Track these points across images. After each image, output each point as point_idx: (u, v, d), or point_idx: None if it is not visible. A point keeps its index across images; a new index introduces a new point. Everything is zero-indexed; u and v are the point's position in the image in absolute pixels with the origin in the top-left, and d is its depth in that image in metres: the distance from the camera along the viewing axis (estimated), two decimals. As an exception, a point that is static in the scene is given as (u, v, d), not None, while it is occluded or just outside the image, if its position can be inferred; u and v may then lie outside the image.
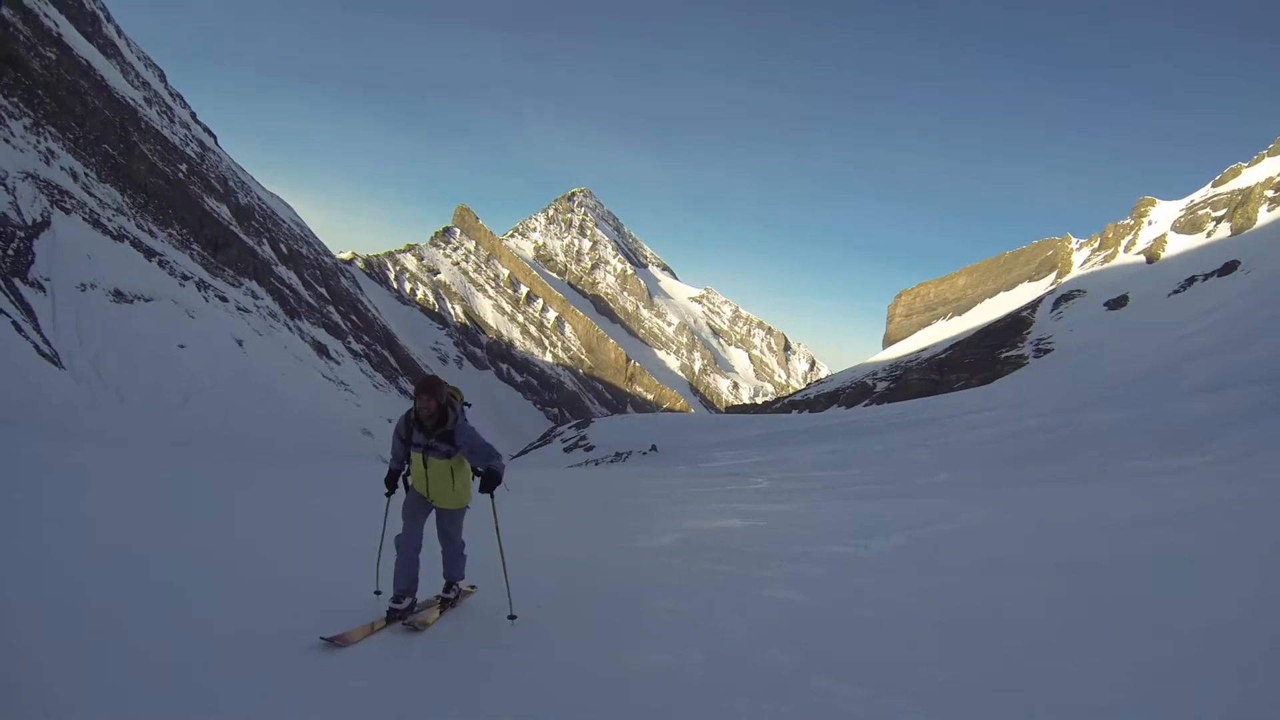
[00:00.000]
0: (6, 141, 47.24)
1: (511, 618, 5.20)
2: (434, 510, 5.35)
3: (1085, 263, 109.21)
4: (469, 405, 5.46)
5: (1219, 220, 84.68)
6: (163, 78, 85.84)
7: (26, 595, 4.83)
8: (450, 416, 5.09)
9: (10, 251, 42.50)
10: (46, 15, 58.20)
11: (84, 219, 51.47)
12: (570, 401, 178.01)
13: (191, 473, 14.88)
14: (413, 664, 4.39)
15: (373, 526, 6.01)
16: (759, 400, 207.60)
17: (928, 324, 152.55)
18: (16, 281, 41.76)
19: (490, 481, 5.00)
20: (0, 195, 43.89)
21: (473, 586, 5.87)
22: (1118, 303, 73.38)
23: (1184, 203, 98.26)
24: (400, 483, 5.41)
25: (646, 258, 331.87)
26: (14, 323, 38.19)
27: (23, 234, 44.17)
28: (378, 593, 5.46)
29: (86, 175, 55.19)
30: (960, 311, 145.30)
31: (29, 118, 51.29)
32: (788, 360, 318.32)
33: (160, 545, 6.87)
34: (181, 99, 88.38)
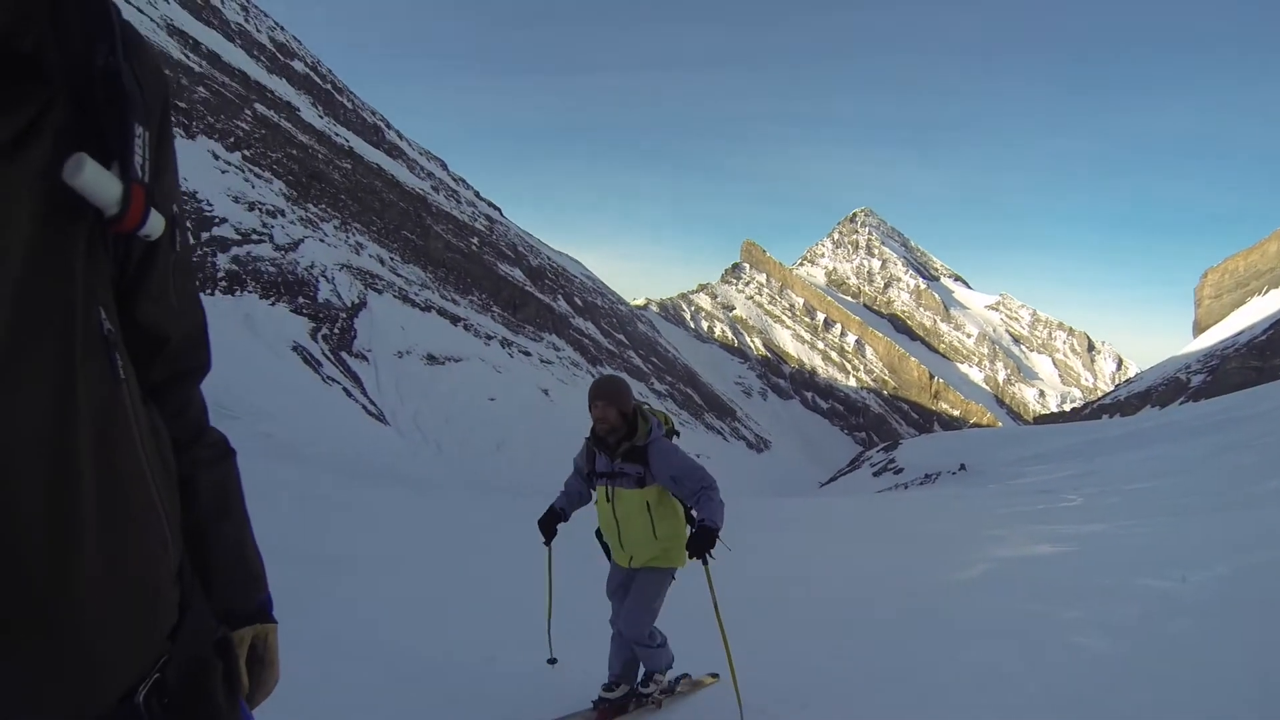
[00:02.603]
0: (322, 241, 53.31)
1: None
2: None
3: None
4: (678, 434, 4.19)
5: None
6: (444, 166, 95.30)
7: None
8: (642, 427, 3.90)
9: (336, 330, 47.28)
10: (337, 134, 66.42)
11: (394, 296, 56.51)
12: (877, 424, 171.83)
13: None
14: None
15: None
16: (1067, 407, 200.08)
17: (1241, 303, 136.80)
18: (343, 354, 46.22)
19: (703, 541, 3.61)
20: (323, 285, 49.30)
21: (714, 676, 4.70)
22: None
23: None
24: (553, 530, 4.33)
25: (937, 270, 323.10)
26: (344, 389, 42.10)
27: (344, 315, 49.09)
28: (552, 661, 4.50)
29: (392, 259, 61.07)
30: (1277, 283, 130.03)
31: (337, 219, 57.94)
32: (1093, 361, 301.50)
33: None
34: (464, 181, 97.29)
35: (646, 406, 4.09)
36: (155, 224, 0.85)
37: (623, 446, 3.89)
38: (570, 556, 4.69)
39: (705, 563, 3.80)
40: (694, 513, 3.89)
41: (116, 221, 0.80)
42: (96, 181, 0.75)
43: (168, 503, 0.95)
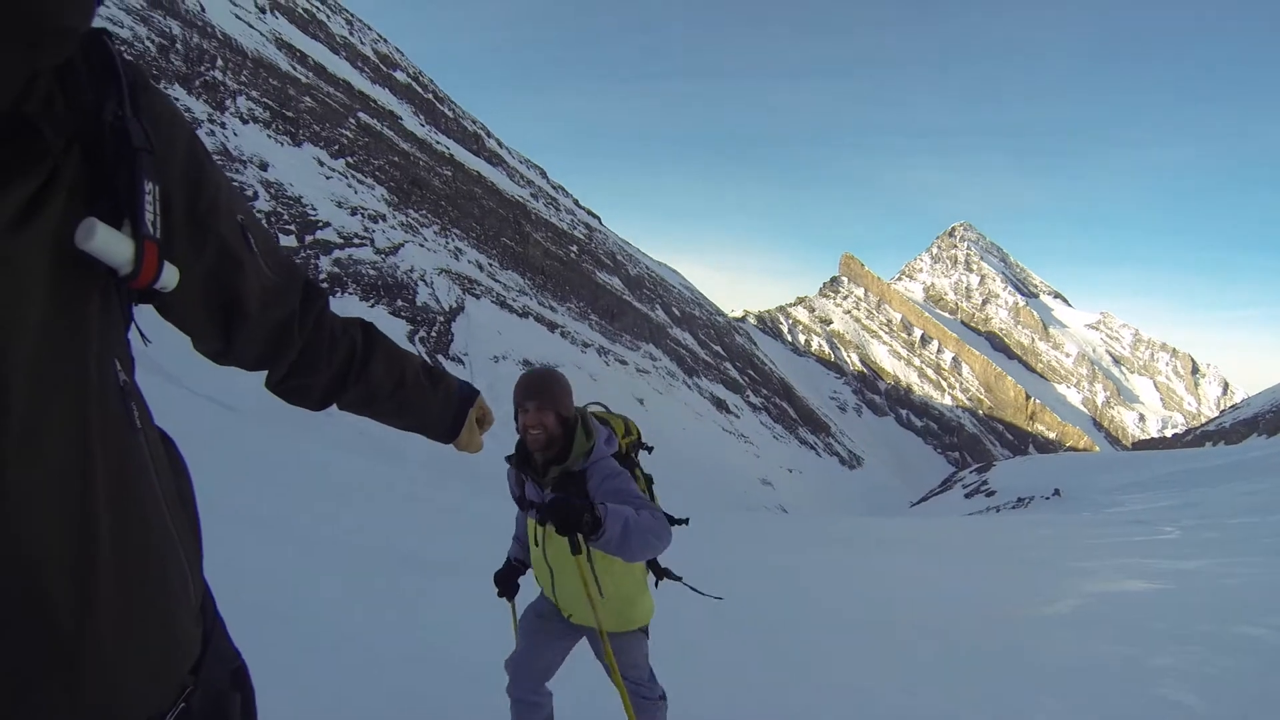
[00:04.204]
0: (421, 246, 53.29)
1: None
2: (578, 633, 2.88)
3: None
4: (650, 449, 2.90)
5: None
6: (544, 174, 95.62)
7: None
8: (579, 445, 2.53)
9: (433, 333, 46.93)
10: (438, 143, 67.17)
11: (492, 301, 56.08)
12: (971, 444, 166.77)
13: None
14: None
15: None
16: (1168, 433, 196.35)
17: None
18: (440, 357, 45.71)
19: (566, 513, 2.15)
20: (422, 289, 49.07)
21: None
22: None
23: None
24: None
25: (1036, 287, 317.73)
26: (439, 394, 41.64)
27: (442, 318, 48.73)
28: None
29: (490, 265, 60.90)
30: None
31: (437, 224, 58.14)
32: (1197, 385, 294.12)
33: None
34: (563, 189, 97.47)
35: (599, 410, 2.82)
36: (169, 277, 0.85)
37: (551, 471, 2.55)
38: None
39: (576, 544, 2.21)
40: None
41: (131, 279, 0.81)
42: (108, 245, 0.76)
43: (186, 540, 0.97)
